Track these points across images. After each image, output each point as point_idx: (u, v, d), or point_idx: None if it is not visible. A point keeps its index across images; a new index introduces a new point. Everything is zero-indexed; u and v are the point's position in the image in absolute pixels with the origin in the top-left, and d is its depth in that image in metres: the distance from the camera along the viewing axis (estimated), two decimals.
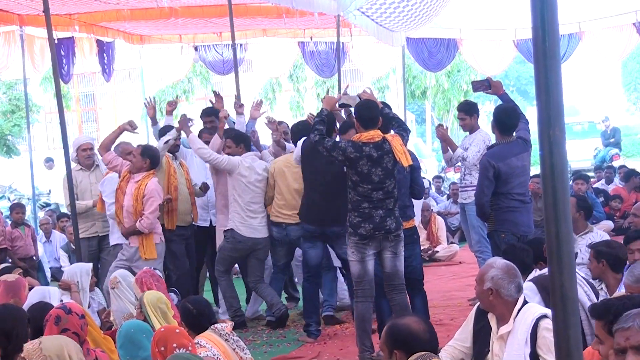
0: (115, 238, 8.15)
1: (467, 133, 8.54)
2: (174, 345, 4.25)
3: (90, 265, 7.27)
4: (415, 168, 6.88)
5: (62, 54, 13.53)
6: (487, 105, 43.91)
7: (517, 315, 4.28)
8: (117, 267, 7.58)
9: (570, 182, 12.42)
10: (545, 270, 5.16)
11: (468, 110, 8.40)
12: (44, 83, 26.79)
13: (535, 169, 7.87)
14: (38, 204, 18.27)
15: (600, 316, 3.29)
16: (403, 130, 6.49)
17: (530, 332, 4.18)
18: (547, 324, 4.16)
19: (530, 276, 5.32)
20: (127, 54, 16.36)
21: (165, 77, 18.62)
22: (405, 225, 6.84)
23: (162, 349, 4.24)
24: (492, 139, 7.65)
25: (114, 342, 5.08)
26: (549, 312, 4.25)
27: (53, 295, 6.36)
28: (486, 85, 7.31)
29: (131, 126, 8.22)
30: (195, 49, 16.70)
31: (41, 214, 15.24)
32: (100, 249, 8.77)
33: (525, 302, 4.35)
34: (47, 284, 10.36)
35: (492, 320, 4.42)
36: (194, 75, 27.42)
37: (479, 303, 4.54)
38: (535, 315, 4.23)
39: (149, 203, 7.75)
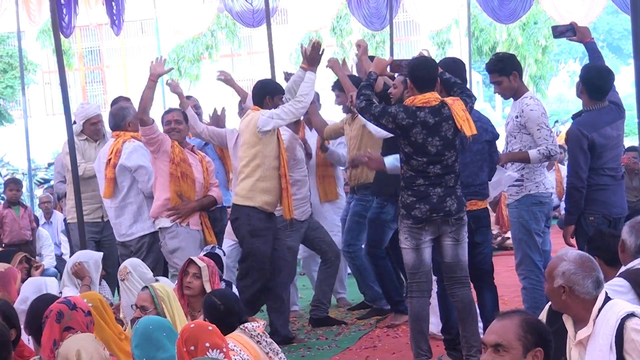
0: (149, 225, 7.96)
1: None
2: (207, 344, 4.26)
3: (101, 254, 7.23)
4: (490, 142, 6.88)
5: (62, 3, 13.61)
6: (570, 65, 43.43)
7: (597, 315, 4.22)
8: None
9: None
10: (636, 263, 5.11)
11: (503, 69, 6.96)
12: (41, 37, 27.04)
13: (629, 141, 7.78)
14: (35, 180, 18.52)
15: None
16: (467, 96, 6.48)
17: (615, 335, 4.12)
18: (635, 325, 4.11)
19: (622, 269, 5.27)
20: (139, 3, 16.44)
21: (184, 30, 18.67)
22: (480, 205, 6.88)
23: (192, 348, 4.25)
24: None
25: None
26: (638, 309, 4.23)
27: (50, 287, 6.40)
28: (570, 31, 7.29)
29: (171, 78, 8.09)
30: None
31: (39, 192, 15.42)
32: (101, 238, 8.71)
33: (607, 299, 4.28)
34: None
35: (568, 322, 4.36)
36: (218, 28, 27.47)
37: (550, 302, 4.51)
38: (620, 314, 4.15)
39: (214, 174, 8.06)
